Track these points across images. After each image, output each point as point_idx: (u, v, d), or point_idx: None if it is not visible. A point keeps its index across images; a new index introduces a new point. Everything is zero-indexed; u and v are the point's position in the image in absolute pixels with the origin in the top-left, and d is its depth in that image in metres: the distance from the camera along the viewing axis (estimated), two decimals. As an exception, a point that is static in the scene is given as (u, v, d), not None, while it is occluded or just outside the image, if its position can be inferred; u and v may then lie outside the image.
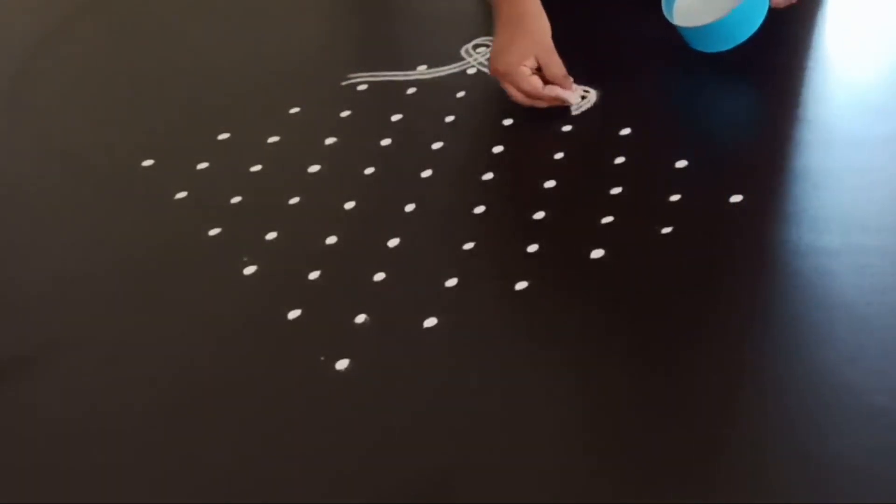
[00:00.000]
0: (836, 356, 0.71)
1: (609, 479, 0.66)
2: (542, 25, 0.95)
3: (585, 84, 0.97)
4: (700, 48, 0.98)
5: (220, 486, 0.69)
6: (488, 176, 0.90)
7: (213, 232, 0.88)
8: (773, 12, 0.97)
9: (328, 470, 0.69)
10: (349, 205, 0.89)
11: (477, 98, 0.99)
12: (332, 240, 0.86)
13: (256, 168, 0.95)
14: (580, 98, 0.95)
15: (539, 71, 0.94)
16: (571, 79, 0.94)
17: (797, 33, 1.04)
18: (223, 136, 0.99)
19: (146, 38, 1.20)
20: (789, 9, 1.00)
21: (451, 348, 0.76)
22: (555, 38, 0.95)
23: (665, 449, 0.67)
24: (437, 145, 0.95)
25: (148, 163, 0.97)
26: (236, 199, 0.91)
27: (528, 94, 0.94)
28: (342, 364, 0.75)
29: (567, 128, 0.94)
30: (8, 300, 0.86)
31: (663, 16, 0.98)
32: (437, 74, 1.03)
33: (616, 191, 0.86)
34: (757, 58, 0.99)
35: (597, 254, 0.81)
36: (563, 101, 0.94)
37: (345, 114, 1.00)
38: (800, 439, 0.66)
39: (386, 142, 0.97)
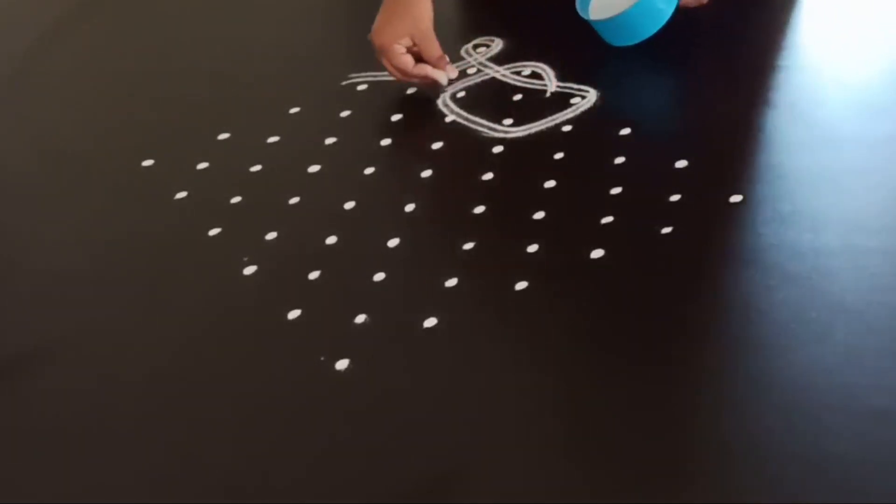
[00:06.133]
0: (835, 356, 0.71)
1: (607, 478, 0.66)
2: (421, 9, 0.99)
3: (584, 84, 0.97)
4: (613, 42, 1.01)
5: (219, 486, 0.69)
6: (488, 176, 0.90)
7: (213, 232, 0.88)
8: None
9: (328, 470, 0.69)
10: (349, 205, 0.89)
11: (477, 98, 0.99)
12: (332, 240, 0.86)
13: (256, 168, 0.95)
14: (453, 76, 1.00)
15: (415, 48, 0.98)
16: (447, 58, 0.99)
17: (800, 35, 1.04)
18: (223, 136, 0.99)
19: (146, 37, 1.20)
20: (699, 9, 1.01)
21: (451, 348, 0.76)
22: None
23: (661, 448, 0.67)
24: (436, 145, 0.95)
25: (148, 163, 0.97)
26: (236, 199, 0.91)
27: (399, 71, 0.99)
28: (342, 364, 0.75)
29: (567, 128, 0.94)
30: (7, 300, 0.86)
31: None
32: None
33: (616, 191, 0.86)
34: (757, 58, 0.99)
35: (597, 254, 0.81)
36: (434, 79, 0.99)
37: (345, 114, 1.00)
38: (799, 439, 0.66)
39: (386, 142, 0.97)
